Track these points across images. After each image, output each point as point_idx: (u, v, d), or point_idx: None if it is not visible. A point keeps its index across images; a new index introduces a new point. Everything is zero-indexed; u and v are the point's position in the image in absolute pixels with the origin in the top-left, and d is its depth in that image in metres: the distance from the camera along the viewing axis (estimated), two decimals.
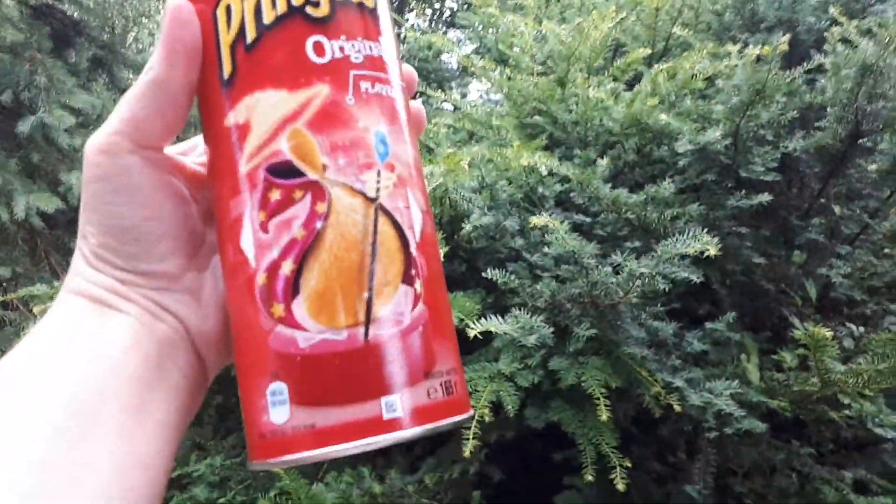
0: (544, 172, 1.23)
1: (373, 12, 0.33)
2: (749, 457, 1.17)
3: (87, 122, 2.56)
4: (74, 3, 2.89)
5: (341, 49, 0.31)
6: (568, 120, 1.49)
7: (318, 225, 0.29)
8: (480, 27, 2.13)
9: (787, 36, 1.16)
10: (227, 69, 0.31)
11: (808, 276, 1.34)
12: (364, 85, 0.31)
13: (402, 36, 2.81)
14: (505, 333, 0.91)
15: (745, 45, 1.54)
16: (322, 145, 0.30)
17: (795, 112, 1.28)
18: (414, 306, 0.30)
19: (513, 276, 1.10)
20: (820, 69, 1.31)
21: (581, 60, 1.52)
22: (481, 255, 1.34)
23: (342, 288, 0.29)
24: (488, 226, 1.22)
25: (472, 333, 0.87)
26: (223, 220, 0.31)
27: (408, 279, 0.30)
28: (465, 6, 2.19)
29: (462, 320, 1.01)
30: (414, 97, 0.36)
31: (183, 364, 0.33)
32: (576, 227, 1.33)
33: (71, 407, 0.27)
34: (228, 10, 0.31)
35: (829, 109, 1.29)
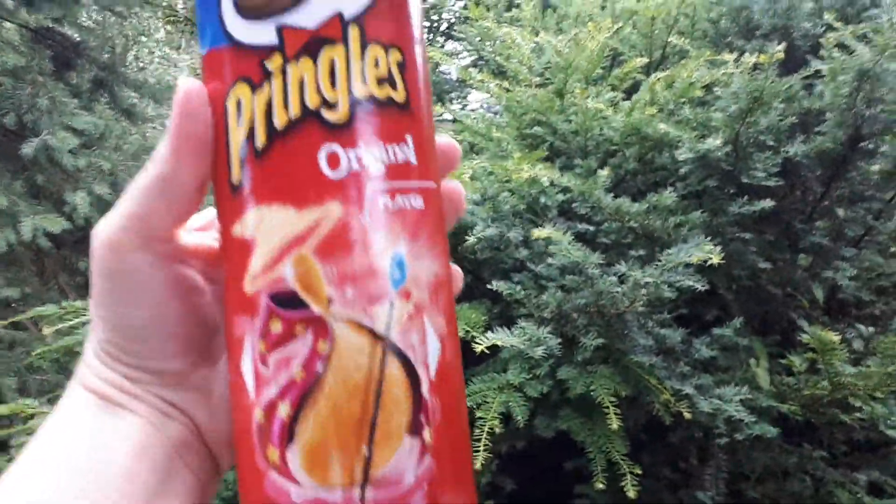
0: (546, 184, 1.24)
1: (403, 107, 0.29)
2: (761, 462, 1.17)
3: (90, 143, 2.58)
4: (74, 25, 2.92)
5: (359, 160, 0.27)
6: (568, 130, 1.50)
7: (319, 367, 0.27)
8: (478, 39, 2.14)
9: (783, 45, 1.17)
10: (235, 174, 0.28)
11: (815, 278, 1.34)
12: (383, 200, 0.27)
13: None
14: (512, 346, 0.91)
15: (742, 52, 1.55)
16: (329, 275, 0.27)
17: (794, 118, 1.29)
18: (420, 460, 0.27)
19: (518, 288, 1.10)
20: (817, 74, 1.32)
21: (578, 71, 1.53)
22: (486, 266, 1.34)
23: (339, 441, 0.26)
24: (492, 237, 1.23)
25: (478, 349, 0.88)
26: (228, 332, 0.29)
27: (415, 428, 0.27)
28: (463, 20, 2.20)
29: (468, 332, 1.01)
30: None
31: (194, 464, 0.32)
32: (579, 236, 1.34)
33: None
34: (239, 105, 0.28)
35: (828, 114, 1.30)
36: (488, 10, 2.15)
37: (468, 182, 1.22)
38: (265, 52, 0.27)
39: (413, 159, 0.29)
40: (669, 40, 1.76)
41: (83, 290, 2.34)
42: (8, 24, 2.73)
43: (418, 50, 0.30)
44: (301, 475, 0.26)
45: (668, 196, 1.18)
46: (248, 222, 0.28)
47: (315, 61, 0.27)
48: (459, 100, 2.53)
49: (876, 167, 1.39)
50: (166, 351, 0.31)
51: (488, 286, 1.13)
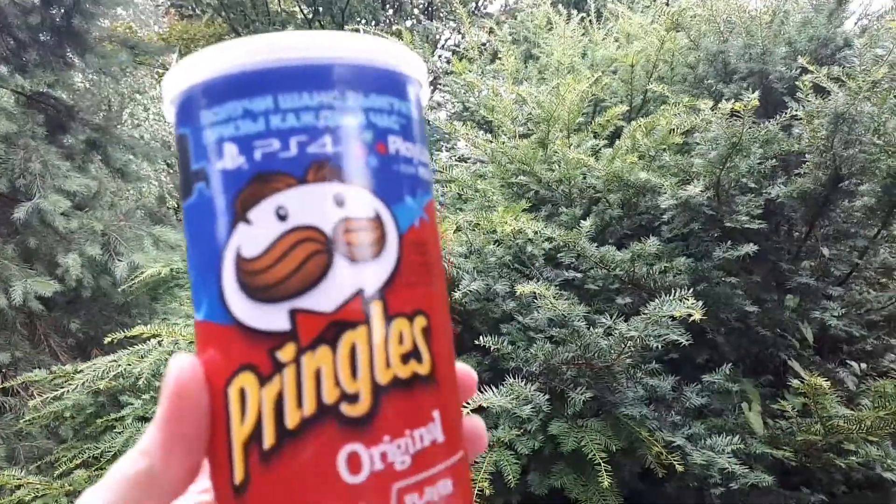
0: (531, 235, 1.25)
1: (429, 380, 0.26)
2: None
3: (83, 204, 2.60)
4: (68, 88, 2.96)
5: (383, 457, 0.24)
6: (552, 179, 1.52)
7: None
8: (463, 91, 2.18)
9: (757, 93, 1.19)
10: (238, 475, 0.24)
11: (803, 318, 1.34)
12: (410, 499, 0.24)
13: None
14: (500, 406, 0.91)
15: (720, 97, 1.58)
16: None
17: (774, 160, 1.31)
18: None
19: (506, 342, 1.10)
20: (795, 117, 1.34)
21: (560, 122, 1.56)
22: (476, 316, 1.34)
23: None
24: (479, 290, 1.23)
25: (465, 410, 0.87)
26: None
27: None
28: (448, 72, 2.25)
29: None
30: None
31: None
32: (567, 283, 1.34)
33: None
34: (243, 394, 0.24)
35: (807, 156, 1.31)
36: (471, 62, 2.19)
37: (452, 237, 1.22)
38: (275, 339, 0.24)
39: (440, 436, 0.26)
40: (649, 87, 1.79)
41: (75, 352, 2.32)
42: (2, 90, 2.77)
43: (441, 302, 0.27)
44: None
45: (652, 244, 1.18)
46: None
47: (334, 349, 0.24)
48: (448, 148, 2.56)
49: (860, 202, 1.40)
50: None
51: (476, 341, 1.12)
